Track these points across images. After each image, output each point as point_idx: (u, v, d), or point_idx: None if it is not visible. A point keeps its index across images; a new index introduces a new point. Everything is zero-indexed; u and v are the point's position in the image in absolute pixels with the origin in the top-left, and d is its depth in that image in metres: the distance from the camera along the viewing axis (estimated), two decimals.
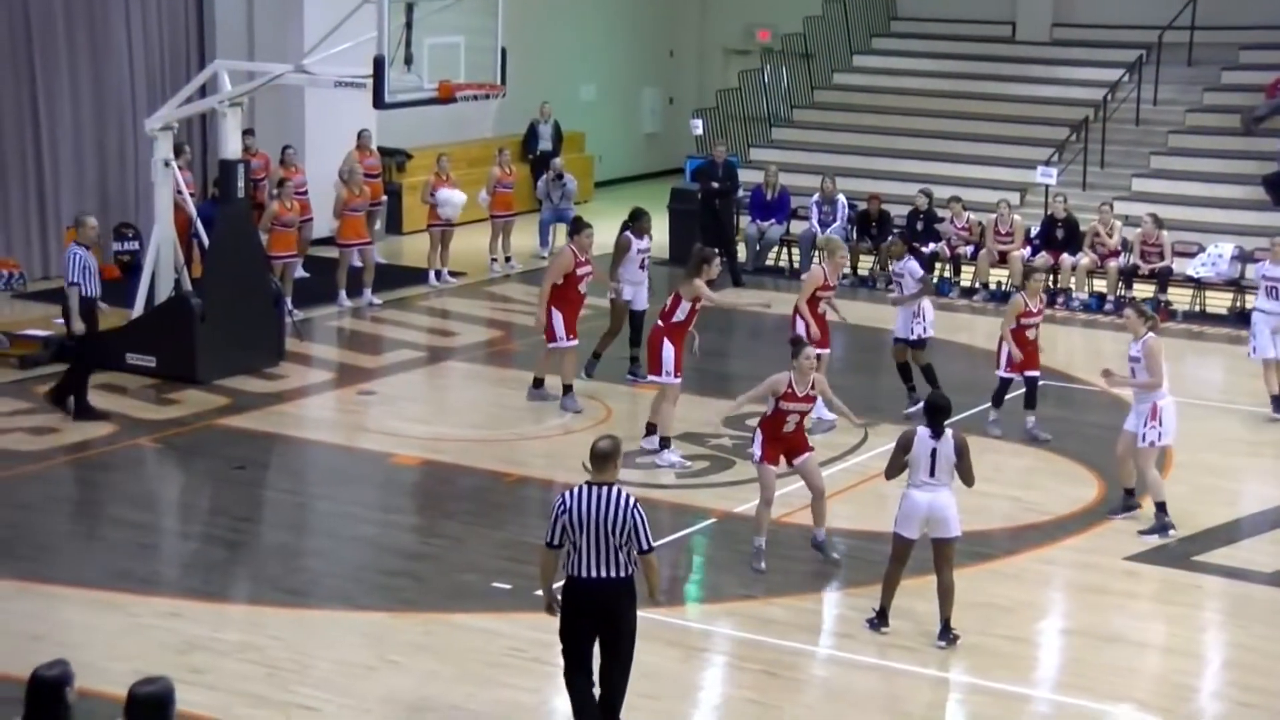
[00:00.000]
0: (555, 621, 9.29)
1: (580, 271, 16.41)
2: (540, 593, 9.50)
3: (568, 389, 16.47)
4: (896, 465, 11.25)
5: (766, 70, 29.02)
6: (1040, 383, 16.02)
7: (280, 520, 13.81)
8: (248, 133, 22.02)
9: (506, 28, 18.02)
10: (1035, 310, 15.72)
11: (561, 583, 9.33)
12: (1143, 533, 13.36)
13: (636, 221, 17.64)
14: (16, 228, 21.20)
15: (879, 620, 11.38)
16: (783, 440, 12.42)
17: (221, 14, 23.54)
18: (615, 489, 9.10)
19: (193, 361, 17.09)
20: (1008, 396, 15.92)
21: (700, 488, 14.22)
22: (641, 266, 17.50)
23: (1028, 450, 15.61)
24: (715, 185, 23.58)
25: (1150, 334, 13.53)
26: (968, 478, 11.27)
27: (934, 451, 11.07)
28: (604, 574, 9.05)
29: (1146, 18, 26.63)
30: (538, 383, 16.78)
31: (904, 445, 11.18)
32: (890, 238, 18.84)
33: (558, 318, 16.28)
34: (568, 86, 29.65)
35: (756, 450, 12.45)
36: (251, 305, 17.61)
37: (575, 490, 9.12)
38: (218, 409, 16.34)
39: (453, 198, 21.91)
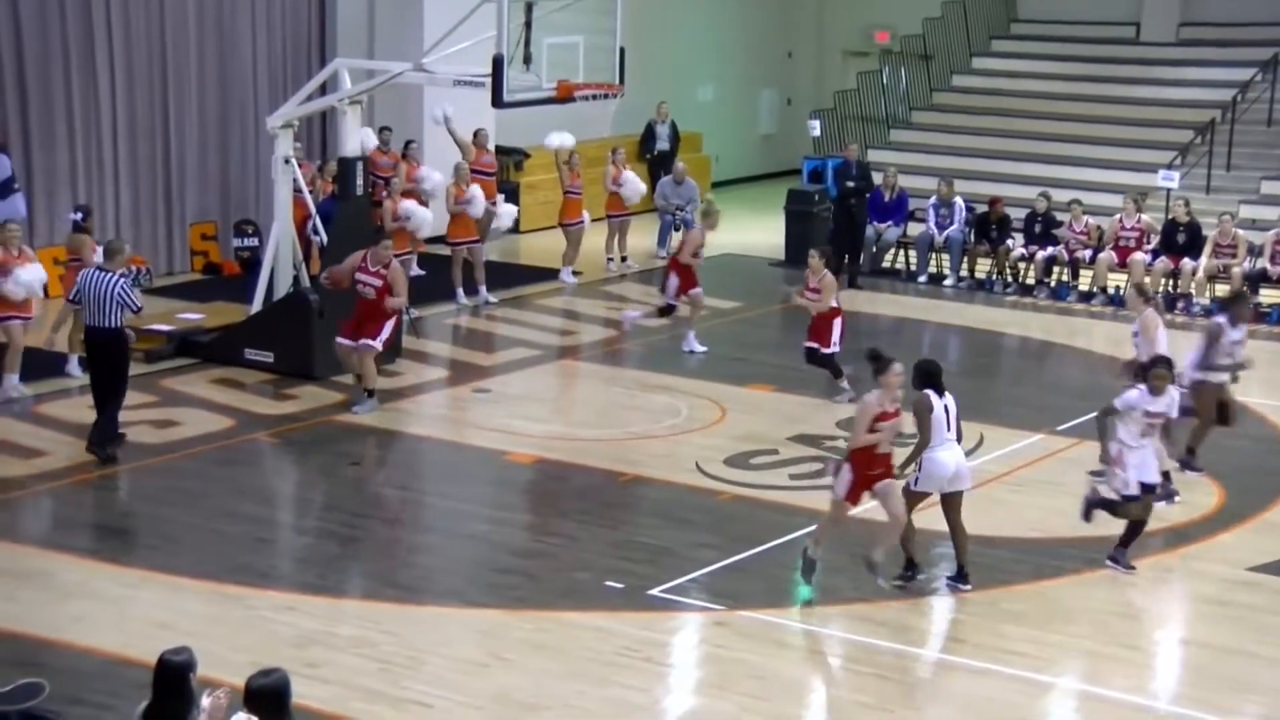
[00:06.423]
0: (671, 620, 9.22)
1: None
2: None
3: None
4: (927, 427, 11.70)
5: (885, 72, 28.87)
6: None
7: (394, 516, 13.93)
8: (385, 129, 22.33)
9: (625, 28, 18.04)
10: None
11: None
12: None
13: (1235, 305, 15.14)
14: (145, 225, 21.56)
15: (910, 573, 12.01)
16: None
17: (343, 13, 23.79)
18: None
19: (310, 358, 17.24)
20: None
21: (812, 490, 14.15)
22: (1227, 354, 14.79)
23: None
24: (851, 184, 23.37)
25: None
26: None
27: (946, 408, 11.78)
28: None
29: None
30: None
31: (928, 407, 11.70)
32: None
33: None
34: (685, 87, 29.64)
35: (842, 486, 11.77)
36: None
37: None
38: (334, 405, 16.50)
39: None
